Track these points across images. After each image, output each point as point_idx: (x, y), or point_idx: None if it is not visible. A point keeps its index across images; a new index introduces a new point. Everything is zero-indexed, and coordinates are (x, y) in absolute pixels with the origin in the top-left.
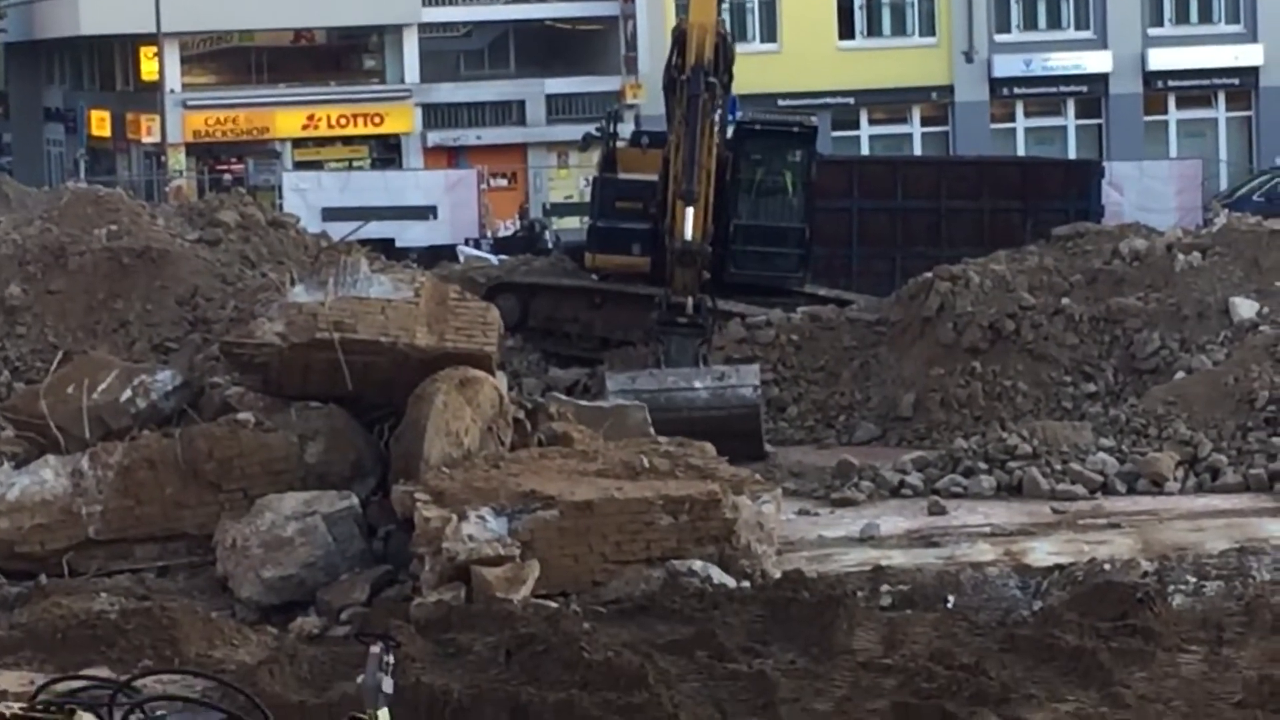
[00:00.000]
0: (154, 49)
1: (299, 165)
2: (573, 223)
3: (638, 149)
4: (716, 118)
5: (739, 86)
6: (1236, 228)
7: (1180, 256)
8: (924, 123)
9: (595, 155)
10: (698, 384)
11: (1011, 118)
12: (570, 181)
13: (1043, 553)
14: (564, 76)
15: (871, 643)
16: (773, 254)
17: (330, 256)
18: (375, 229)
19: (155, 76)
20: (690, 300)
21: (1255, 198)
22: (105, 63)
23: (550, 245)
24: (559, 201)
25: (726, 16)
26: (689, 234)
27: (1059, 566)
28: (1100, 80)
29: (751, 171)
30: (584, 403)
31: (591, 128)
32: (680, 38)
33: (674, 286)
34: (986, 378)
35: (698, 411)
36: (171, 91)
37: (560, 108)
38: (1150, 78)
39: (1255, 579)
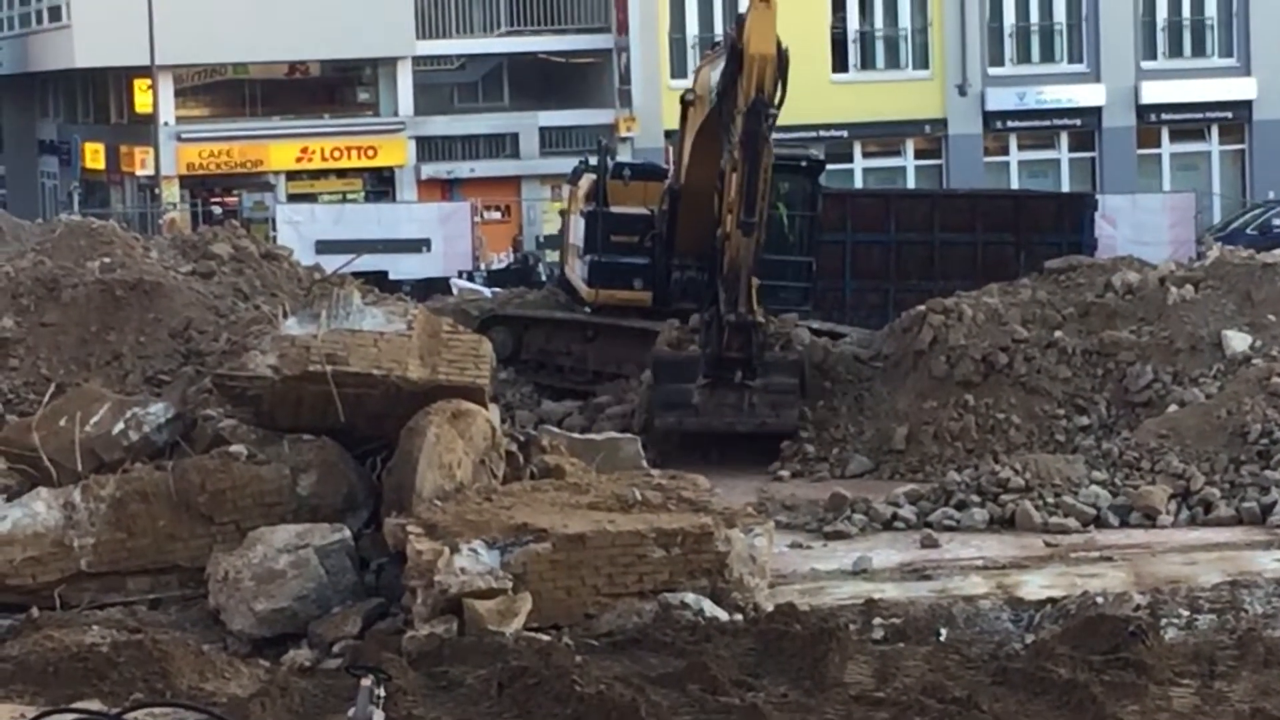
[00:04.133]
0: (148, 82)
1: (293, 198)
2: None
3: (619, 181)
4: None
5: None
6: (1229, 261)
7: (1173, 290)
8: (917, 155)
9: (570, 190)
10: (740, 429)
11: (1005, 151)
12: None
13: (1035, 586)
14: (558, 110)
15: (864, 676)
16: (778, 288)
17: (323, 289)
18: (369, 262)
19: (149, 109)
20: (739, 370)
21: (1248, 231)
22: (99, 95)
23: (544, 278)
24: (553, 234)
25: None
26: (741, 305)
27: (1051, 600)
28: (1093, 113)
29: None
30: (577, 435)
31: (578, 161)
32: (733, 58)
33: (728, 347)
34: (979, 411)
35: None
36: (165, 124)
37: (554, 140)
38: (1143, 111)
39: (1248, 612)
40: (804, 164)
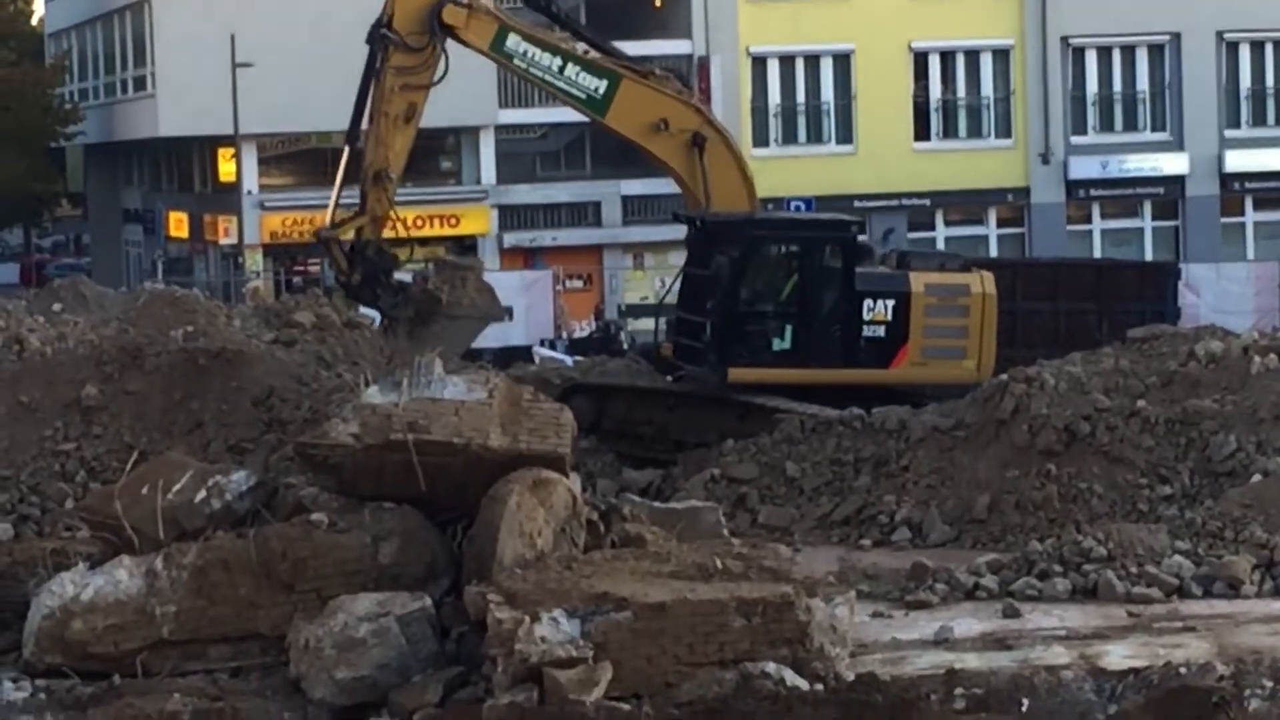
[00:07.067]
0: (232, 150)
1: None
2: (648, 324)
3: None
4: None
5: (815, 187)
6: None
7: (1257, 359)
8: (1000, 224)
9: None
10: None
11: (1088, 219)
12: (646, 283)
13: (1118, 656)
14: (639, 178)
15: None
16: (693, 347)
17: (405, 358)
18: None
19: (233, 178)
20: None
21: None
22: (183, 164)
23: (625, 346)
24: (634, 303)
25: None
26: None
27: (1134, 670)
28: (1177, 182)
29: (692, 265)
30: (658, 504)
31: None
32: None
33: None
34: (1061, 480)
35: None
36: (249, 193)
37: (636, 209)
38: (1227, 179)
39: None
40: (731, 223)
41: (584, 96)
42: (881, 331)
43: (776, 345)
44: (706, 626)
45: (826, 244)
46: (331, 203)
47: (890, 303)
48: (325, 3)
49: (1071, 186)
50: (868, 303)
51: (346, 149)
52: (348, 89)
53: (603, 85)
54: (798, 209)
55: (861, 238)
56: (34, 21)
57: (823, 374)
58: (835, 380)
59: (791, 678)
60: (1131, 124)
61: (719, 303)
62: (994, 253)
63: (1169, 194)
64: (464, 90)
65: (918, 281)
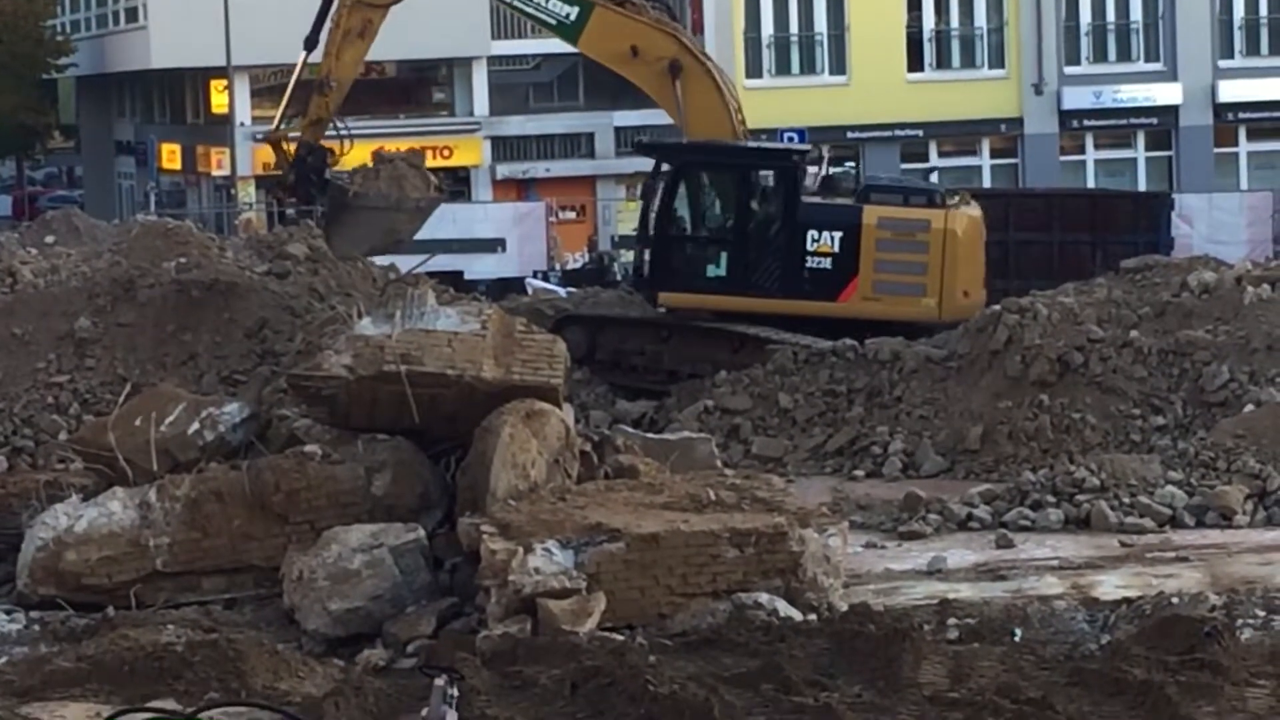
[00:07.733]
0: (224, 82)
1: None
2: None
3: None
4: None
5: (808, 118)
6: None
7: (1249, 289)
8: (993, 155)
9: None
10: None
11: (1081, 150)
12: (639, 214)
13: (1110, 586)
14: (632, 109)
15: (938, 676)
16: (635, 266)
17: (398, 289)
18: (444, 261)
19: (225, 109)
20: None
21: None
22: (176, 96)
23: (619, 278)
24: (628, 234)
25: None
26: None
27: (1127, 600)
28: (1170, 112)
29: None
30: (651, 435)
31: None
32: None
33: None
34: (1054, 410)
35: None
36: (241, 124)
37: (629, 140)
38: (1220, 109)
39: None
40: (662, 149)
41: (555, 23)
42: (827, 263)
43: (711, 272)
44: (699, 557)
45: (764, 173)
46: (281, 106)
47: (837, 235)
48: None
49: (1065, 117)
50: (811, 234)
51: (303, 53)
52: None
53: (574, 12)
54: (790, 140)
55: (844, 168)
56: None
57: (761, 303)
58: (775, 310)
59: (784, 608)
60: (1125, 54)
61: (650, 227)
62: (987, 183)
63: (1162, 124)
64: (456, 21)
65: (870, 215)
